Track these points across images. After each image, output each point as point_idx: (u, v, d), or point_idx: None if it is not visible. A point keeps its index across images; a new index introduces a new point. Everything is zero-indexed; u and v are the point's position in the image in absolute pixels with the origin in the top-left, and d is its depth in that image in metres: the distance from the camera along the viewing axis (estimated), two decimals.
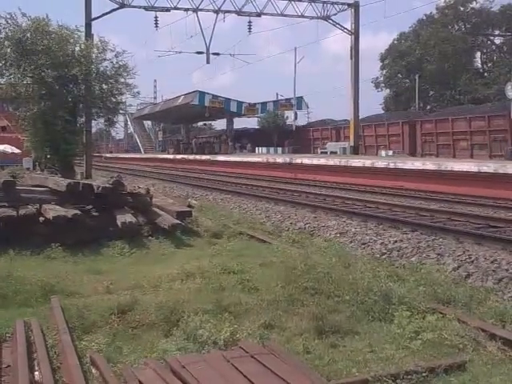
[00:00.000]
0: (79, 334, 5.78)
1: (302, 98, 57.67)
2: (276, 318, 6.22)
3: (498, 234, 10.85)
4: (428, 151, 37.78)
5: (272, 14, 39.04)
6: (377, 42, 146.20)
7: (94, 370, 4.89)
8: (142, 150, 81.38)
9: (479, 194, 18.48)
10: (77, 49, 20.69)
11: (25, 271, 7.74)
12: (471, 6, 64.95)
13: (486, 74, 64.67)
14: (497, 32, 64.68)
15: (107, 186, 11.32)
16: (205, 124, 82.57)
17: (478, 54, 67.31)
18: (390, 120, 42.84)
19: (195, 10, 36.98)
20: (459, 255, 9.52)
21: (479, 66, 67.57)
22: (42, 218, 10.40)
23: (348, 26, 39.61)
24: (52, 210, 10.21)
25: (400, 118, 42.06)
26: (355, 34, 39.06)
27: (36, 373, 4.80)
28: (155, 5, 35.78)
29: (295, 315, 6.34)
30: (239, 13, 37.93)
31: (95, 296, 7.06)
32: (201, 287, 7.32)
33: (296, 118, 55.63)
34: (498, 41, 65.74)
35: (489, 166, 20.17)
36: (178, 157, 51.09)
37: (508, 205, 15.68)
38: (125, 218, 10.66)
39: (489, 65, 66.99)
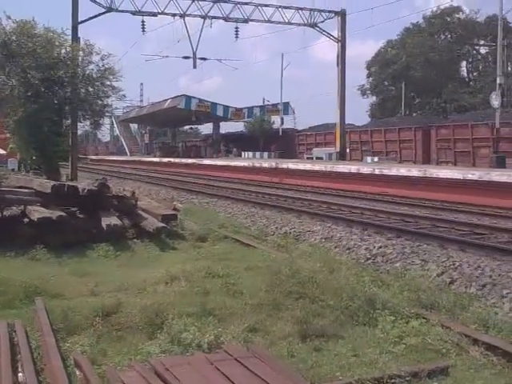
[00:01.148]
0: (63, 336, 5.74)
1: (288, 103, 57.86)
2: (260, 321, 6.22)
3: (482, 241, 10.95)
4: (444, 158, 35.12)
5: (259, 21, 39.02)
6: (365, 49, 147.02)
7: (77, 372, 4.86)
8: (128, 152, 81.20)
9: (464, 201, 18.62)
10: (63, 51, 20.62)
11: (9, 272, 7.69)
12: (457, 16, 65.87)
13: (471, 83, 65.52)
14: (482, 42, 65.53)
15: (92, 188, 11.26)
16: (191, 128, 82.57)
17: (464, 63, 68.33)
18: (402, 125, 40.52)
19: (182, 16, 36.84)
20: (443, 261, 9.60)
21: (465, 75, 68.50)
22: (26, 220, 10.32)
23: (335, 33, 39.82)
24: (37, 212, 10.14)
25: (413, 123, 40.12)
26: (342, 41, 39.21)
27: (20, 374, 4.76)
28: (142, 9, 35.61)
29: (279, 319, 6.34)
30: (226, 19, 37.85)
31: (80, 298, 7.00)
32: (185, 290, 7.29)
33: (282, 123, 55.72)
34: (483, 50, 66.76)
35: (473, 174, 20.35)
36: (164, 160, 50.97)
37: (492, 212, 15.83)
38: (110, 220, 10.60)
39: (474, 74, 67.89)
